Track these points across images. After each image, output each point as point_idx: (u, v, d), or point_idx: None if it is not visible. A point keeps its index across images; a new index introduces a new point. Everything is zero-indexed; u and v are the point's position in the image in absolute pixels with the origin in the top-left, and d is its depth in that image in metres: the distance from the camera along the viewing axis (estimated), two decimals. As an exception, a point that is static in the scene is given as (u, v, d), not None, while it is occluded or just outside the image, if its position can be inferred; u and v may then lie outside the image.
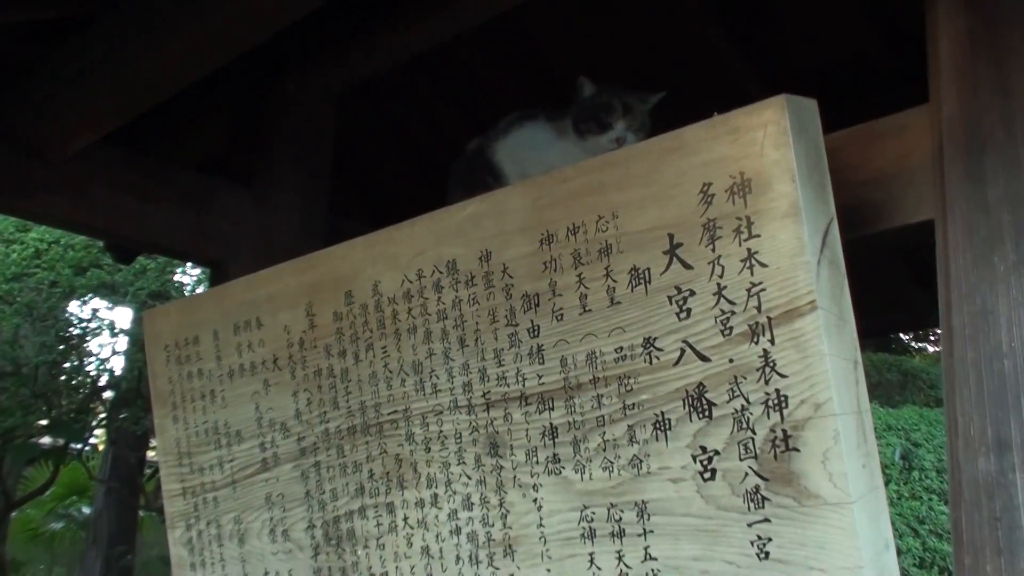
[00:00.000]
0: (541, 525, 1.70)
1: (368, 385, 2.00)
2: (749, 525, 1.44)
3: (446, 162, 2.98)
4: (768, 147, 1.41)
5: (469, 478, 1.82)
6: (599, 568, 1.62)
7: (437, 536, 1.88)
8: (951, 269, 1.47)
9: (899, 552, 1.51)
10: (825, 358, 1.36)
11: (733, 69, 2.65)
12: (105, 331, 7.03)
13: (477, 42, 2.67)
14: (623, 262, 1.58)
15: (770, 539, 1.42)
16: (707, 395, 1.48)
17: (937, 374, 11.98)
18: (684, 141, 1.51)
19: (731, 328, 1.45)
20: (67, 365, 6.93)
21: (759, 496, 1.42)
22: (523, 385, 1.72)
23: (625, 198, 1.57)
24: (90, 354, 7.26)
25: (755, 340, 1.42)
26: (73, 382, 7.23)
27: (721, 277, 1.46)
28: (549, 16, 2.70)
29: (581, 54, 2.84)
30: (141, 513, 10.28)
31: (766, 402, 1.41)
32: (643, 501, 1.56)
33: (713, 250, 1.47)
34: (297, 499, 2.17)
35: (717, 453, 1.47)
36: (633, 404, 1.57)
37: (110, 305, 6.37)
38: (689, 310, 1.50)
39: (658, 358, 1.54)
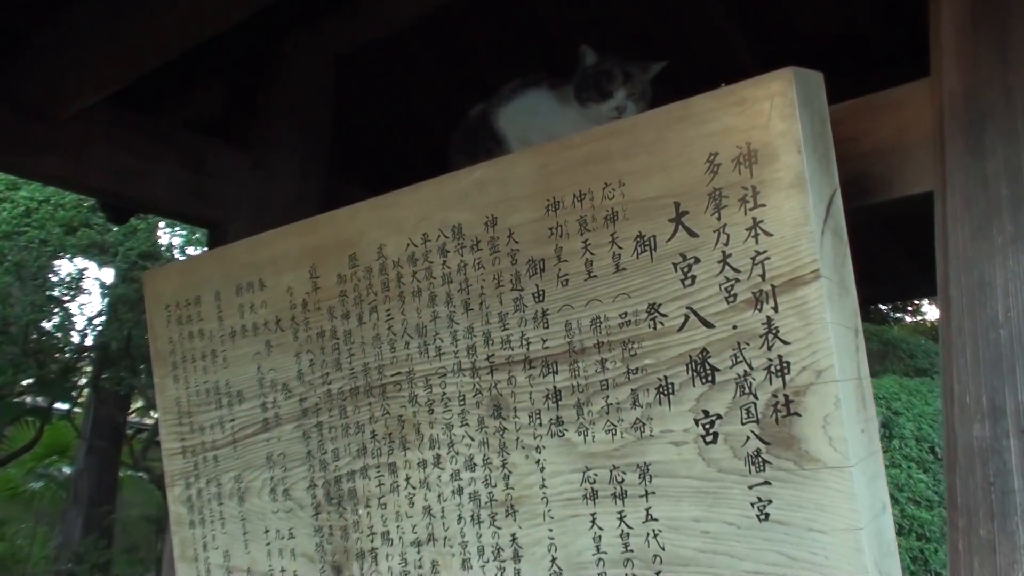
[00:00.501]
0: (543, 486, 1.74)
1: (371, 347, 2.03)
2: (750, 487, 1.48)
3: (444, 127, 2.99)
4: (775, 118, 1.44)
5: (472, 439, 1.85)
6: (601, 528, 1.66)
7: (439, 496, 1.92)
8: (950, 241, 1.51)
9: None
10: (828, 326, 1.39)
11: (732, 40, 2.67)
12: (92, 291, 7.04)
13: (477, 8, 2.67)
14: (629, 229, 1.60)
15: (770, 501, 1.46)
16: (710, 360, 1.51)
17: (917, 344, 12.10)
18: (691, 111, 1.53)
19: (735, 295, 1.48)
20: (52, 324, 6.93)
21: (760, 459, 1.46)
22: (527, 349, 1.75)
23: (631, 166, 1.60)
24: (75, 314, 7.27)
25: (759, 307, 1.46)
26: (60, 343, 7.24)
27: (726, 245, 1.49)
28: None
29: (581, 23, 2.85)
30: (122, 473, 10.32)
31: (768, 368, 1.45)
32: (645, 463, 1.60)
33: (719, 219, 1.50)
34: (298, 459, 2.20)
35: (719, 417, 1.51)
36: (637, 368, 1.60)
37: (99, 265, 6.38)
38: (694, 277, 1.53)
39: (662, 324, 1.57)
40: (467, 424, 1.86)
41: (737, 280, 1.48)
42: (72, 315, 7.24)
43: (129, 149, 2.63)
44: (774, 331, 1.44)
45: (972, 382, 1.44)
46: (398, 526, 2.00)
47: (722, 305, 1.50)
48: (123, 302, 6.15)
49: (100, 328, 7.20)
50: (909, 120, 1.65)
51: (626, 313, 1.62)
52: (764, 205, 1.45)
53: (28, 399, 8.38)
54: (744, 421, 1.48)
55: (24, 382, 7.14)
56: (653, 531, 1.60)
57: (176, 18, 2.09)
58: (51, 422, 8.44)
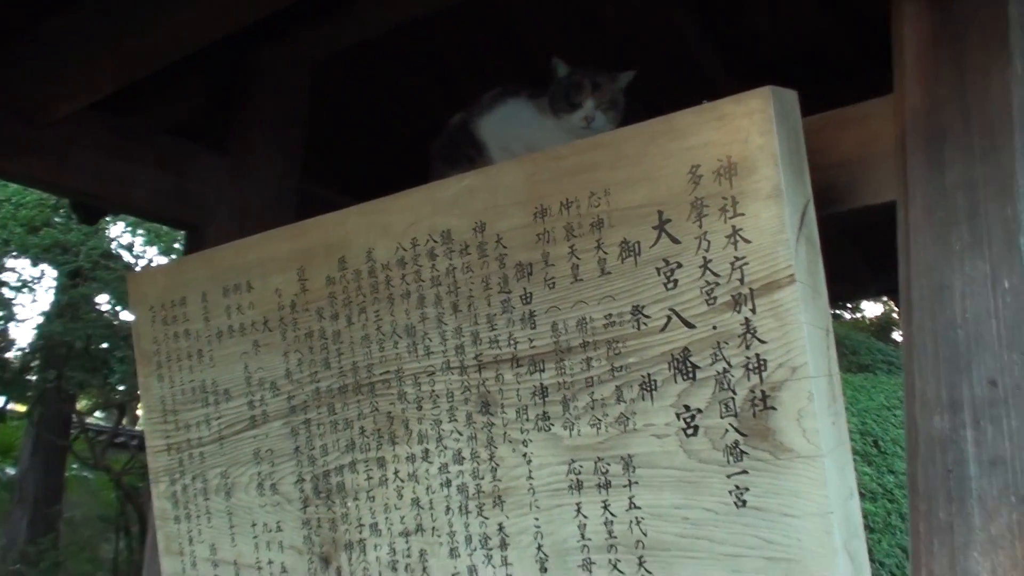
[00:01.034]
0: (530, 477, 1.84)
1: (360, 346, 2.11)
2: (728, 476, 1.59)
3: (418, 132, 3.07)
4: (753, 134, 1.55)
5: (460, 434, 1.95)
6: (585, 516, 1.77)
7: (427, 488, 2.01)
8: (911, 247, 1.63)
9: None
10: (802, 326, 1.51)
11: (700, 51, 2.79)
12: (41, 290, 7.03)
13: (450, 19, 2.76)
14: (614, 235, 1.71)
15: (747, 489, 1.57)
16: (691, 359, 1.62)
17: (859, 341, 12.38)
18: (674, 126, 1.64)
19: (715, 298, 1.59)
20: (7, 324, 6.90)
21: (738, 450, 1.57)
22: (515, 348, 1.85)
23: (617, 176, 1.70)
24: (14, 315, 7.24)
25: (737, 309, 1.57)
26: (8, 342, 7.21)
27: (707, 251, 1.60)
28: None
29: (555, 35, 2.95)
30: (69, 472, 10.28)
31: (746, 365, 1.56)
32: (629, 455, 1.70)
33: (700, 226, 1.60)
34: (286, 454, 2.28)
35: (700, 411, 1.61)
36: (621, 366, 1.71)
37: (60, 264, 6.36)
38: (676, 281, 1.63)
39: (646, 324, 1.68)
40: (455, 420, 1.95)
41: (717, 284, 1.59)
42: (15, 314, 7.21)
43: (110, 152, 2.69)
44: (752, 331, 1.55)
45: (932, 378, 1.56)
46: (387, 517, 2.09)
47: (703, 307, 1.61)
48: (87, 300, 6.14)
49: (44, 326, 7.18)
50: (874, 134, 1.77)
51: (611, 314, 1.72)
52: (743, 214, 1.56)
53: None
54: (723, 415, 1.59)
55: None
56: (636, 518, 1.70)
57: (167, 31, 2.16)
58: (4, 421, 8.39)
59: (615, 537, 1.73)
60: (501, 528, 1.89)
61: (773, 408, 1.53)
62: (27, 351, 7.00)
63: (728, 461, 1.59)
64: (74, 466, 10.97)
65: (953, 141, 1.60)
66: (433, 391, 1.99)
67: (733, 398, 1.58)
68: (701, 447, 1.62)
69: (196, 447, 2.48)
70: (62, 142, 2.59)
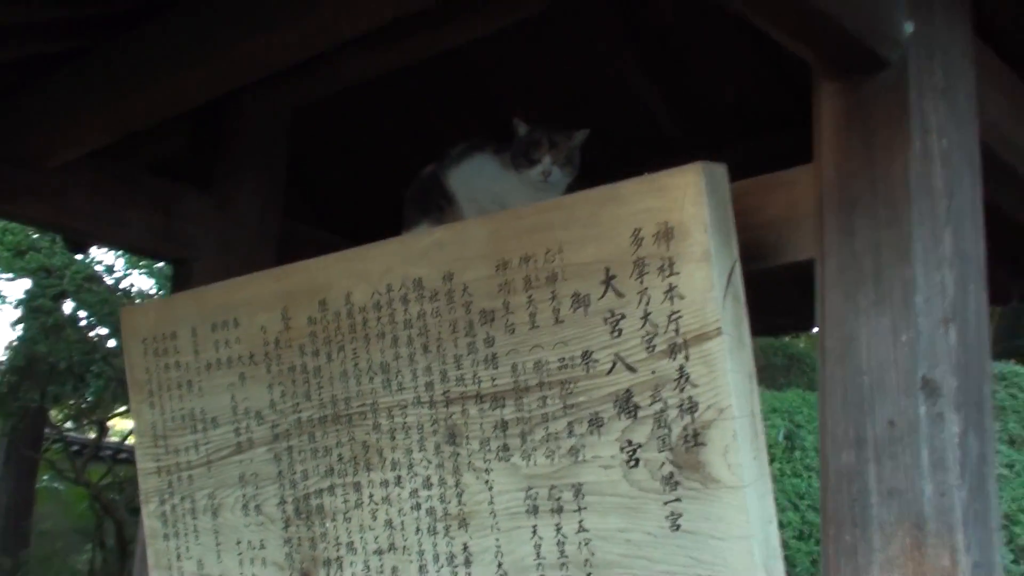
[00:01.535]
0: (492, 502, 2.06)
1: (339, 381, 2.32)
2: (664, 503, 1.80)
3: (392, 174, 3.29)
4: (688, 203, 1.77)
5: (429, 462, 2.16)
6: (541, 538, 1.98)
7: (399, 511, 2.22)
8: (826, 302, 1.86)
9: (781, 525, 1.87)
10: (728, 373, 1.73)
11: (650, 107, 3.02)
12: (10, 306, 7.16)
13: (425, 71, 2.97)
14: (567, 288, 1.93)
15: (681, 514, 1.78)
16: (634, 399, 1.84)
17: (816, 358, 12.68)
18: (620, 193, 1.86)
19: (654, 346, 1.81)
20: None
21: (673, 480, 1.79)
22: (479, 386, 2.07)
23: (570, 236, 1.92)
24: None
25: (673, 357, 1.79)
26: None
27: (647, 305, 1.82)
28: (494, 54, 3.02)
29: (521, 90, 3.18)
30: (40, 484, 10.38)
31: (680, 406, 1.78)
32: (579, 483, 1.92)
33: (642, 283, 1.82)
34: (270, 478, 2.48)
35: (640, 446, 1.83)
36: (572, 405, 1.93)
37: (44, 287, 6.53)
38: (621, 330, 1.86)
39: (594, 368, 1.90)
40: (425, 449, 2.16)
41: (656, 334, 1.81)
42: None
43: (105, 195, 2.88)
44: (685, 376, 1.78)
45: (842, 418, 1.79)
46: (362, 537, 2.30)
47: (644, 354, 1.83)
48: (70, 322, 6.33)
49: (17, 343, 7.32)
50: (796, 198, 2.00)
51: (564, 358, 1.94)
52: (678, 273, 1.78)
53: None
54: (660, 449, 1.81)
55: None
56: (585, 540, 1.92)
57: (166, 91, 2.36)
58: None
59: (566, 556, 1.95)
60: (466, 547, 2.10)
61: (703, 444, 1.76)
62: (4, 368, 7.14)
63: (664, 490, 1.81)
64: (45, 478, 11.07)
65: (862, 210, 1.83)
66: (405, 423, 2.20)
67: (669, 435, 1.80)
68: (642, 477, 1.84)
69: (185, 470, 2.67)
70: (59, 186, 2.78)
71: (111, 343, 6.63)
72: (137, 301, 6.99)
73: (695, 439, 1.76)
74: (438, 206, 2.52)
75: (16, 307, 7.31)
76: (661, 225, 1.80)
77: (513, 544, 2.03)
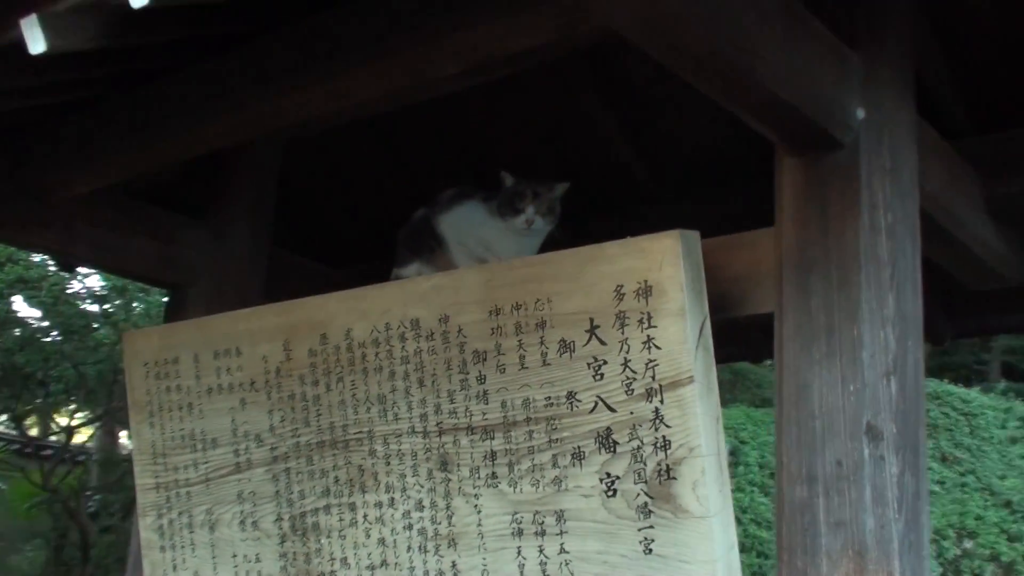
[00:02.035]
0: (480, 524, 2.27)
1: (337, 409, 2.52)
2: (639, 529, 2.04)
3: (374, 208, 3.52)
4: (665, 264, 2.01)
5: (422, 487, 2.37)
6: (524, 558, 2.20)
7: (392, 530, 2.43)
8: (784, 352, 2.10)
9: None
10: (698, 416, 1.97)
11: (623, 156, 3.27)
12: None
13: (412, 116, 3.17)
14: (554, 334, 2.15)
15: (653, 540, 2.02)
16: (613, 436, 2.07)
17: (762, 374, 13.06)
18: (605, 252, 2.09)
19: (633, 390, 2.05)
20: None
21: (647, 509, 2.03)
22: (470, 419, 2.28)
23: (558, 288, 2.15)
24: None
25: (650, 400, 2.02)
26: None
27: (627, 353, 2.05)
28: (476, 103, 3.24)
29: (502, 138, 3.41)
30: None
31: (655, 444, 2.02)
32: (561, 510, 2.15)
33: (623, 333, 2.06)
34: (267, 496, 2.67)
35: (618, 478, 2.07)
36: (557, 439, 2.15)
37: (25, 299, 6.63)
38: (603, 374, 2.09)
39: (577, 407, 2.12)
40: (418, 474, 2.38)
41: (635, 379, 2.04)
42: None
43: (109, 227, 3.06)
44: (660, 417, 2.01)
45: (796, 456, 2.03)
46: (355, 553, 2.50)
47: (623, 396, 2.06)
48: (45, 333, 6.46)
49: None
50: (759, 257, 2.24)
51: (550, 397, 2.16)
52: (656, 326, 2.02)
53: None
54: (636, 481, 2.04)
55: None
56: (565, 560, 2.14)
57: (188, 141, 2.56)
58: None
59: (548, 575, 2.17)
60: (454, 565, 2.32)
61: (675, 478, 1.99)
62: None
63: (639, 518, 2.04)
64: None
65: (817, 272, 2.08)
66: (400, 450, 2.41)
67: (644, 468, 2.03)
68: (619, 506, 2.07)
69: (184, 487, 2.86)
70: (67, 217, 2.95)
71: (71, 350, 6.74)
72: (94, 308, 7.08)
73: (668, 473, 2.00)
74: (429, 247, 2.73)
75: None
76: (641, 283, 2.03)
77: (499, 563, 2.24)
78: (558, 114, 3.28)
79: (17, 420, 8.92)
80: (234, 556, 2.75)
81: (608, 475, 2.08)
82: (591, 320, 2.10)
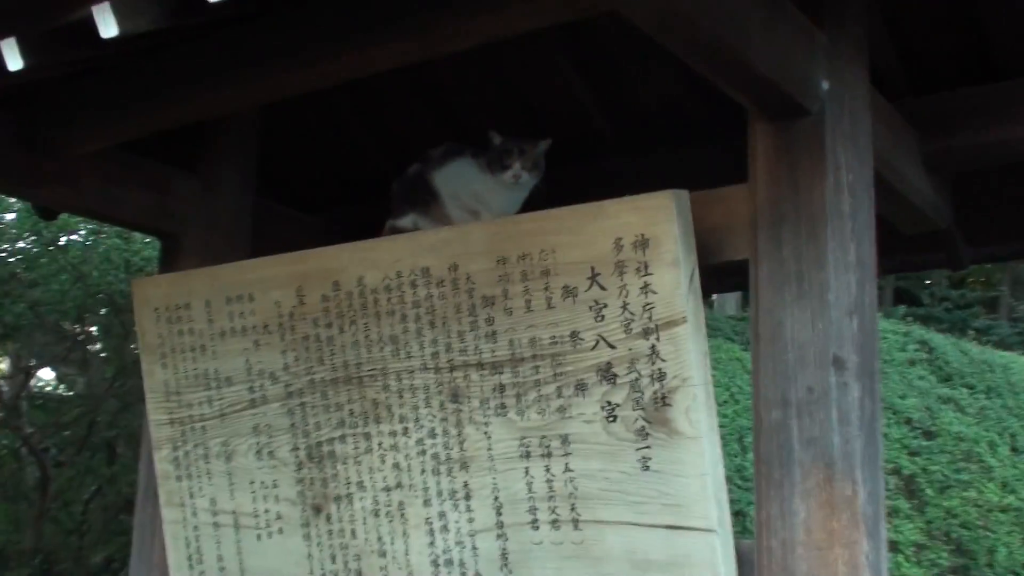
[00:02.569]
0: (490, 449, 2.56)
1: (351, 349, 2.77)
2: (637, 449, 2.35)
3: (350, 161, 3.74)
4: (660, 220, 2.30)
5: (434, 417, 2.64)
6: (532, 476, 2.50)
7: (406, 456, 2.70)
8: (759, 295, 2.41)
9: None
10: (689, 351, 2.28)
11: (594, 115, 3.53)
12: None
13: (391, 79, 3.37)
14: (558, 281, 2.43)
15: (650, 458, 2.33)
16: (613, 370, 2.37)
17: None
18: (605, 210, 2.37)
19: (631, 329, 2.34)
20: None
21: (644, 432, 2.34)
22: (480, 356, 2.56)
23: (561, 240, 2.42)
24: None
25: (647, 337, 2.32)
26: None
27: (626, 297, 2.34)
28: (456, 70, 3.47)
29: (480, 103, 3.64)
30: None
31: (652, 375, 2.32)
32: (566, 434, 2.45)
33: (621, 280, 2.34)
34: (283, 429, 2.92)
35: (618, 406, 2.37)
36: (561, 373, 2.44)
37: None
38: (603, 316, 2.38)
39: (580, 344, 2.41)
40: (430, 406, 2.65)
41: (633, 319, 2.34)
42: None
43: (110, 179, 3.22)
44: (656, 353, 2.31)
45: (771, 384, 2.35)
46: (371, 477, 2.77)
47: (622, 335, 2.36)
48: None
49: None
50: (735, 210, 2.53)
51: (555, 336, 2.45)
52: (652, 274, 2.31)
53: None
54: (634, 408, 2.35)
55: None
56: (570, 478, 2.45)
57: (204, 103, 2.74)
58: None
59: (554, 491, 2.47)
60: (466, 484, 2.61)
61: (669, 405, 2.30)
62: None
63: (637, 439, 2.35)
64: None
65: (788, 226, 2.38)
66: (412, 384, 2.67)
67: (642, 397, 2.34)
68: (619, 430, 2.37)
69: (198, 421, 3.08)
70: (76, 172, 3.12)
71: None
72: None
73: (663, 401, 2.31)
74: (424, 200, 2.98)
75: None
76: (639, 236, 2.32)
77: (508, 482, 2.54)
78: (529, 72, 3.52)
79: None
80: (251, 483, 2.99)
81: (609, 403, 2.38)
82: (592, 268, 2.38)
